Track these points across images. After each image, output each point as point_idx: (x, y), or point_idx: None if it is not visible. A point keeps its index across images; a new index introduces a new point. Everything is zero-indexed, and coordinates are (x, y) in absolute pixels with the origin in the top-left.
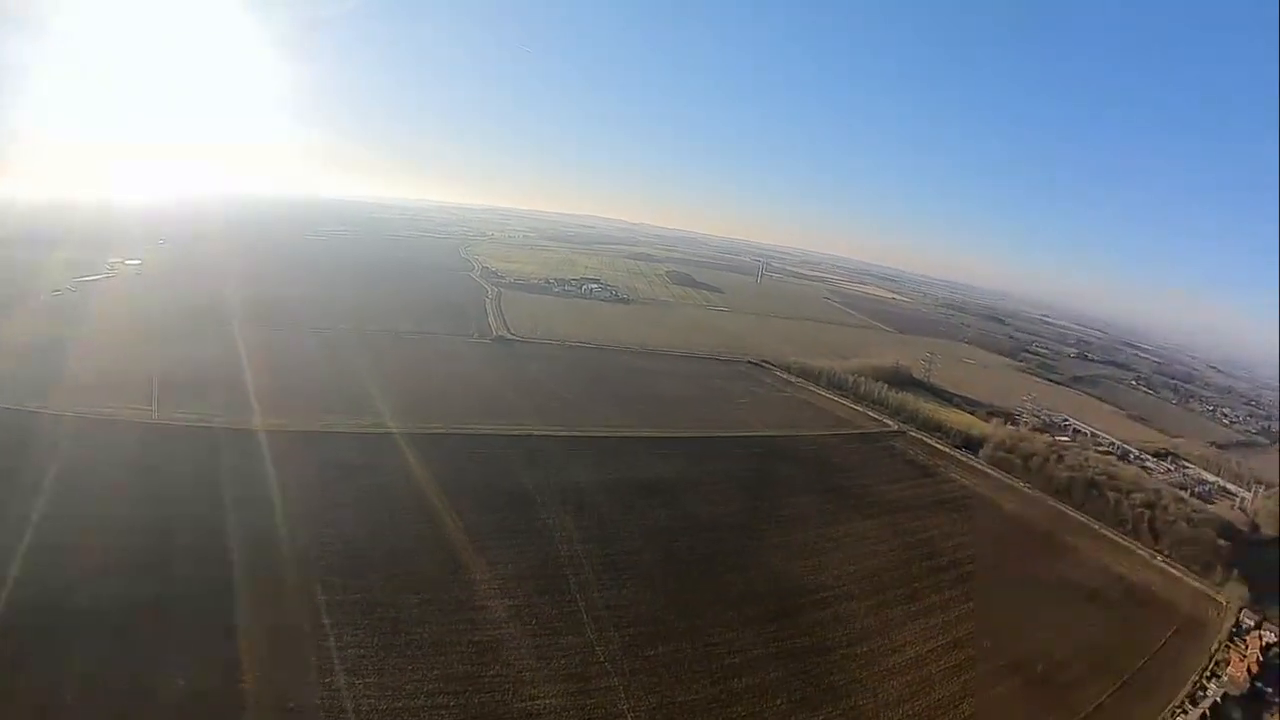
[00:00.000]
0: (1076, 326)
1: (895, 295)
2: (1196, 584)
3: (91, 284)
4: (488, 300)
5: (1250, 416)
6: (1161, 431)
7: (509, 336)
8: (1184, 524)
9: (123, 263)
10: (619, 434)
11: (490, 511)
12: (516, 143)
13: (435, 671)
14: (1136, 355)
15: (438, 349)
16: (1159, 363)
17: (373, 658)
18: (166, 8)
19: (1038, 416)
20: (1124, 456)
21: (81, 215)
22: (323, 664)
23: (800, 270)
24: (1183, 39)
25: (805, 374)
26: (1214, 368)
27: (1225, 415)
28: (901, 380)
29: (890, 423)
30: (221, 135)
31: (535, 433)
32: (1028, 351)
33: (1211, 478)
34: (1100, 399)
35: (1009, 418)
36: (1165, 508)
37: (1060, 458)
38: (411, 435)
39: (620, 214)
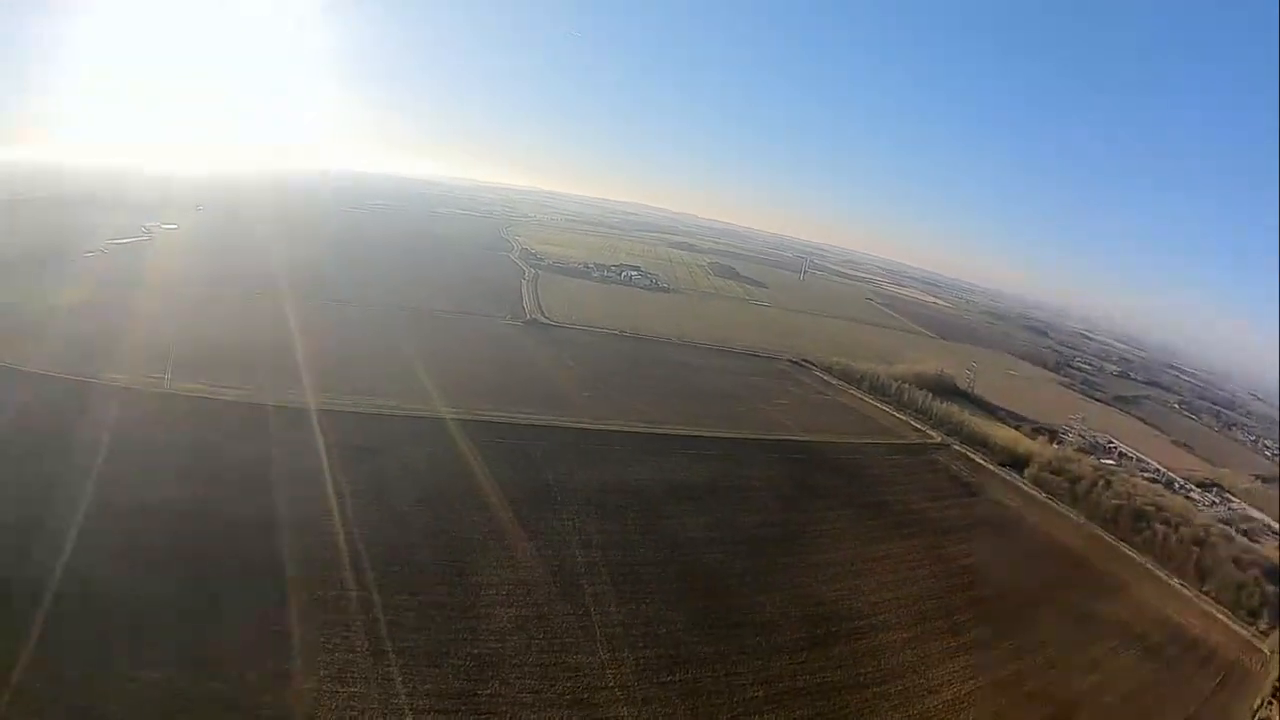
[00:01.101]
0: (1118, 344)
1: (937, 300)
2: (1242, 631)
3: (124, 246)
4: (524, 282)
5: None
6: (1206, 460)
7: (543, 320)
8: (1232, 565)
9: (159, 227)
10: (651, 430)
11: (505, 508)
12: (564, 126)
13: (426, 686)
14: (1178, 378)
15: (468, 329)
16: (1200, 386)
17: (360, 664)
18: None
19: (1083, 437)
20: (1169, 485)
21: (127, 182)
22: (306, 668)
23: (843, 269)
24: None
25: (847, 376)
26: (1254, 395)
27: (1268, 447)
28: (945, 389)
29: (934, 434)
30: (270, 111)
31: (560, 424)
32: (1071, 367)
33: (1257, 514)
34: (1143, 421)
35: (1053, 436)
36: (1214, 546)
37: (1108, 483)
38: (427, 419)
39: (665, 203)
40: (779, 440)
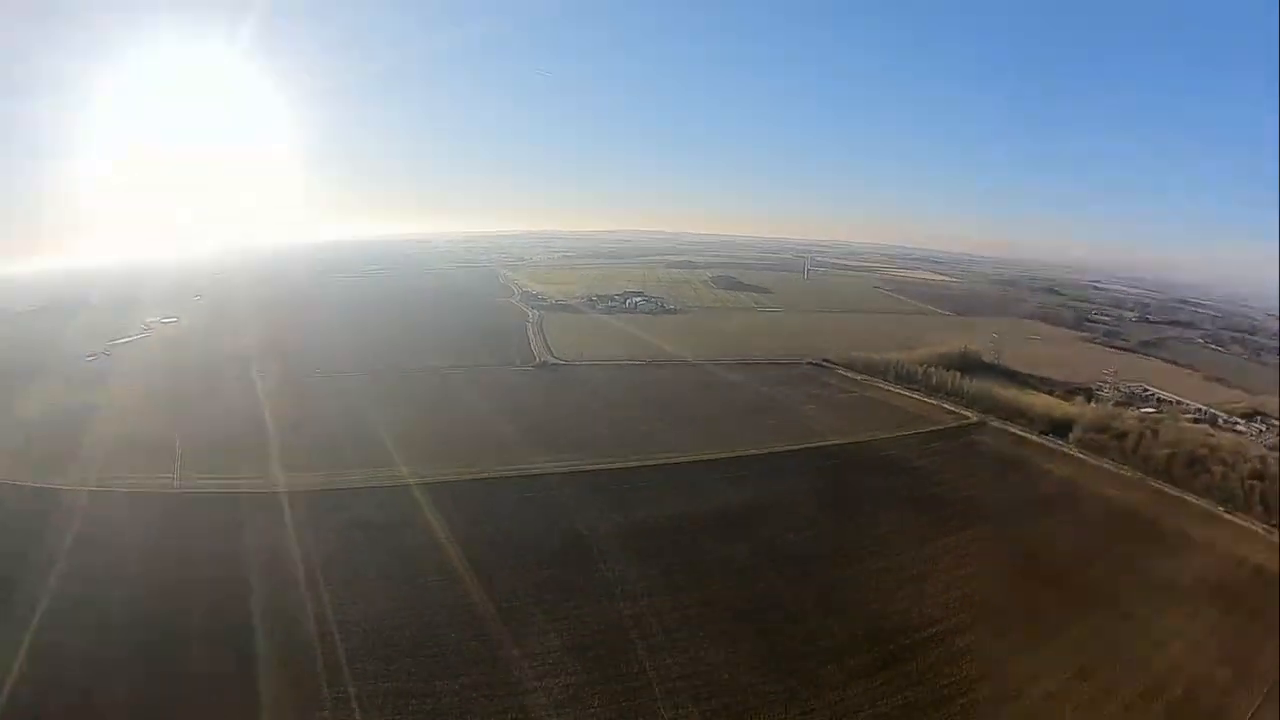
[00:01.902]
0: (1130, 290)
1: (944, 277)
2: None
3: (125, 346)
4: (529, 324)
5: None
6: (1243, 390)
7: (553, 361)
8: None
9: (160, 322)
10: (679, 459)
11: (541, 567)
12: (547, 165)
13: None
14: (1196, 312)
15: (478, 381)
16: (1219, 316)
17: None
18: (178, 66)
19: (1118, 390)
20: (1213, 422)
21: (117, 279)
22: None
23: (845, 262)
24: None
25: (870, 369)
26: (1270, 314)
27: None
28: (971, 366)
29: (969, 414)
30: (247, 186)
31: (586, 467)
32: (1089, 320)
33: None
34: (1173, 362)
35: (1089, 395)
36: (1275, 476)
37: (1155, 433)
38: (448, 484)
39: (658, 225)
40: (813, 448)
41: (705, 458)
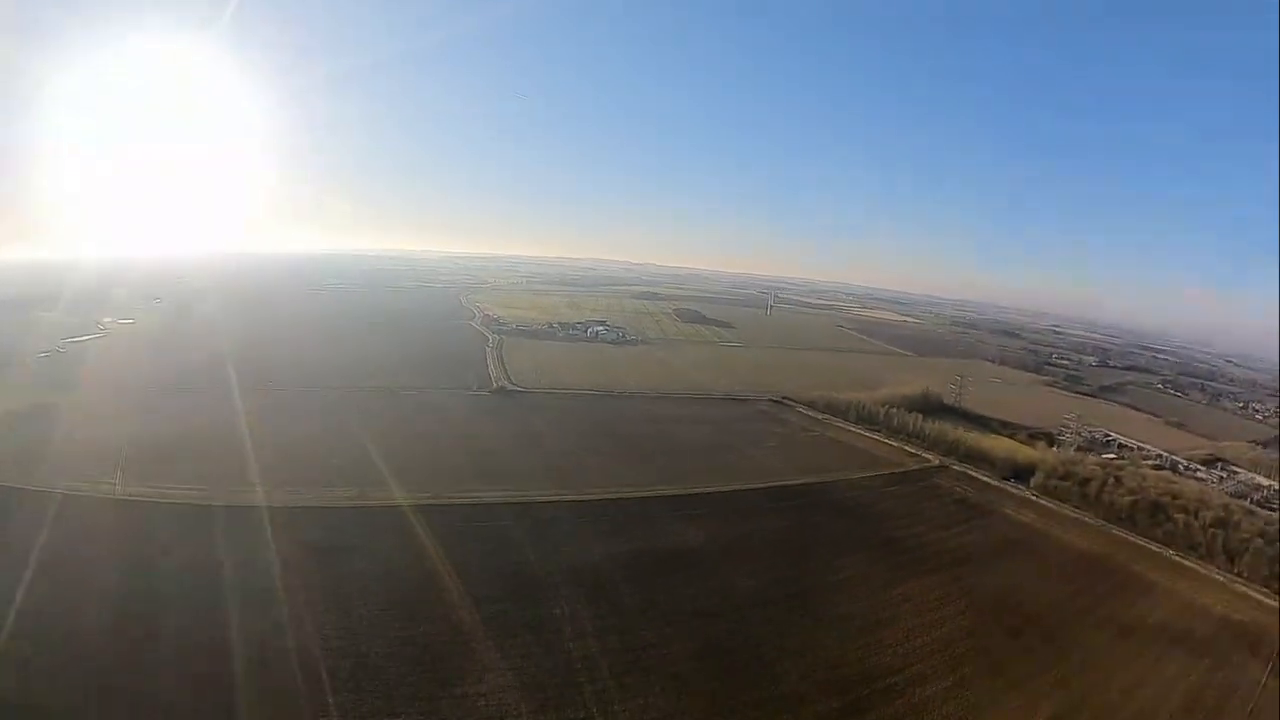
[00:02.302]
0: (1089, 334)
1: (906, 318)
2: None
3: (80, 345)
4: (489, 349)
5: None
6: (1203, 436)
7: (510, 387)
8: (1259, 540)
9: (115, 322)
10: (636, 494)
11: (488, 602)
12: (518, 190)
13: None
14: (1155, 357)
15: (432, 404)
16: (1179, 362)
17: None
18: (156, 65)
19: (1079, 435)
20: (1174, 468)
21: (79, 275)
22: None
23: (808, 300)
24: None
25: (831, 409)
26: (1230, 361)
27: (1257, 411)
28: (933, 408)
29: (930, 457)
30: (219, 191)
31: (540, 498)
32: (1050, 364)
33: (1266, 481)
34: (1133, 407)
35: (1051, 439)
36: (1237, 524)
37: (1118, 480)
38: (390, 509)
39: (624, 255)
40: (772, 487)
41: (662, 493)
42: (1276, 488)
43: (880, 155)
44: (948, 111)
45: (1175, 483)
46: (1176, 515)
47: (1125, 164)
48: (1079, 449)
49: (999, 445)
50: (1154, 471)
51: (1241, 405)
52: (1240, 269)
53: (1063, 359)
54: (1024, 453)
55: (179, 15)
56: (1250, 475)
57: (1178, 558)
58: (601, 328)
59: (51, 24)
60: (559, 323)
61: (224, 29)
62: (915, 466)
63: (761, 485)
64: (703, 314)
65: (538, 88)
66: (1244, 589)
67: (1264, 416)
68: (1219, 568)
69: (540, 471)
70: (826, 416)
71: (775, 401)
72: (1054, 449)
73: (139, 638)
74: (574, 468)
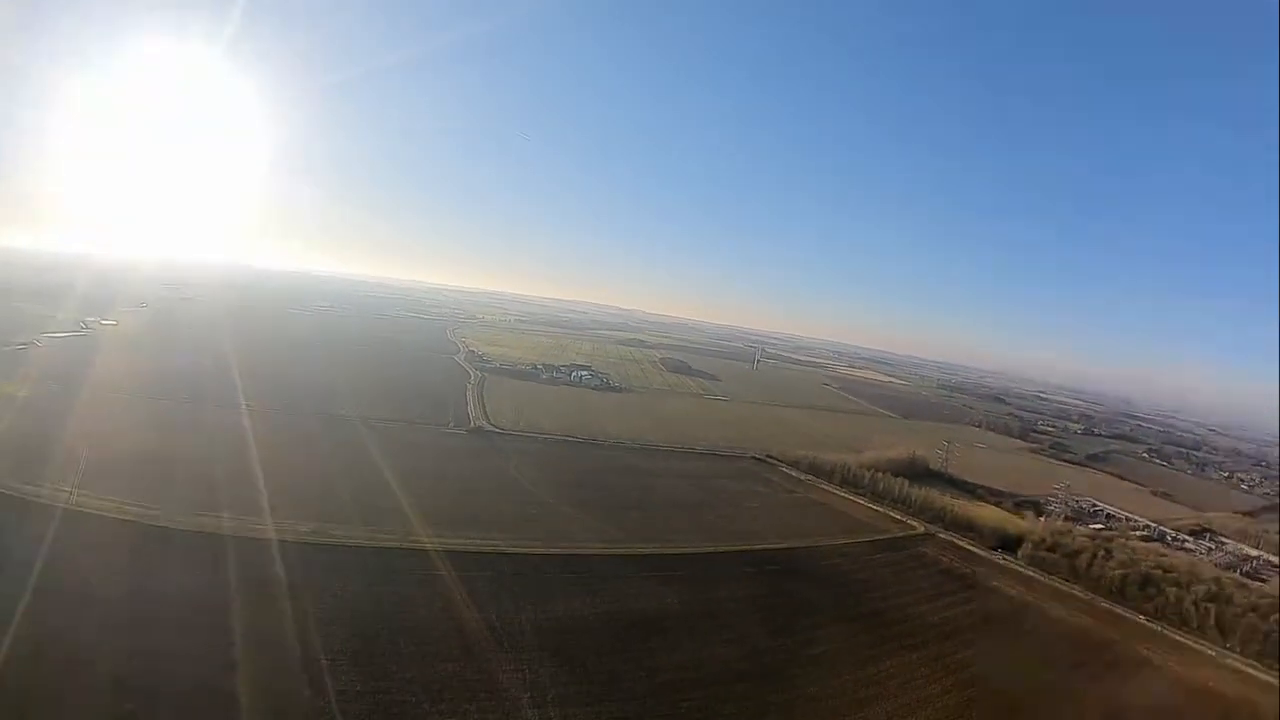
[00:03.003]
0: (1074, 401)
1: (891, 378)
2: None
3: (58, 341)
4: (469, 386)
5: (1265, 479)
6: (1190, 507)
7: (488, 428)
8: (1252, 614)
9: (98, 322)
10: (609, 550)
11: (442, 660)
12: (512, 228)
13: None
14: (1139, 426)
15: (406, 440)
16: (1163, 430)
17: None
18: (165, 85)
19: (1067, 505)
20: (1162, 539)
21: (72, 271)
22: None
23: (794, 356)
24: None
25: (815, 470)
26: (1214, 430)
27: (1243, 480)
28: (919, 473)
29: (916, 524)
30: (224, 205)
31: (506, 549)
32: (1035, 431)
33: (1254, 552)
34: (1120, 476)
35: (1038, 508)
36: (1229, 598)
37: (1108, 553)
38: (348, 548)
39: (613, 300)
40: (753, 550)
41: (637, 551)
42: (1266, 559)
43: (867, 217)
44: (936, 178)
45: (1165, 555)
46: (1168, 589)
47: (1115, 238)
48: (1066, 519)
49: (986, 514)
50: (1143, 543)
51: (1227, 475)
52: (1234, 341)
53: (1048, 426)
54: (1012, 522)
55: (185, 27)
56: (1238, 546)
57: (1169, 632)
58: (585, 372)
59: (64, 30)
60: (543, 364)
61: (228, 48)
62: (901, 534)
63: (742, 547)
64: (688, 364)
65: (536, 134)
66: (1237, 664)
67: (1250, 486)
68: (1211, 643)
69: (509, 520)
70: (810, 478)
71: (758, 459)
72: (1042, 519)
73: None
74: (545, 517)
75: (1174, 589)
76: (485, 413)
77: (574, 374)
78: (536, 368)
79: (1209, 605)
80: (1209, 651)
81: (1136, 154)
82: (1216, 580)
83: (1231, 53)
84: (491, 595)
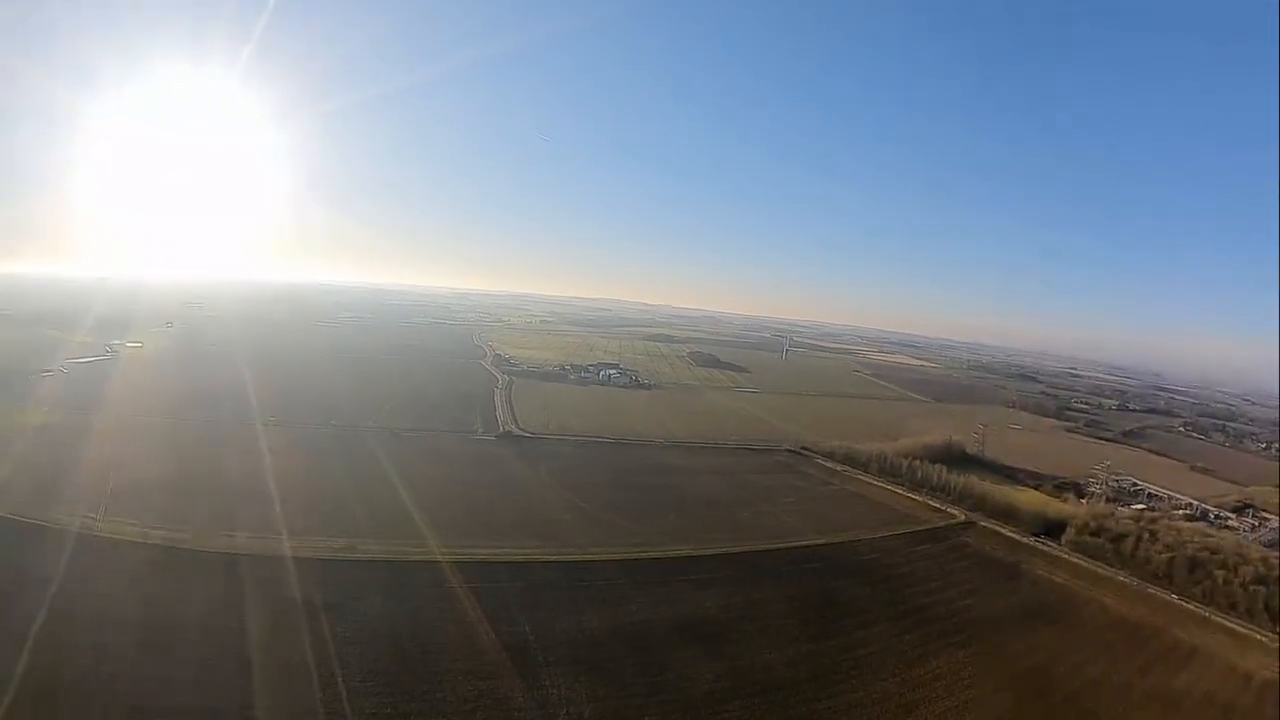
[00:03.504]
0: (1106, 376)
1: (921, 362)
2: None
3: (83, 367)
4: (497, 390)
5: None
6: (1230, 481)
7: (517, 432)
8: None
9: (124, 345)
10: (644, 554)
11: (476, 678)
12: (534, 230)
13: None
14: (1173, 399)
15: (434, 449)
16: (1197, 403)
17: None
18: (175, 98)
19: (1108, 486)
20: (1204, 517)
21: (95, 295)
22: None
23: (822, 343)
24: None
25: (851, 460)
26: (1248, 400)
27: None
28: (956, 458)
29: (956, 513)
30: (241, 221)
31: (539, 557)
32: (1069, 409)
33: None
34: (1157, 452)
35: (1078, 490)
36: (1279, 580)
37: (1153, 535)
38: (379, 564)
39: (639, 296)
40: (791, 548)
41: (673, 554)
42: None
43: (889, 200)
44: (963, 158)
45: (1211, 536)
46: (1216, 571)
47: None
48: (1108, 500)
49: (1027, 498)
50: (1188, 524)
51: (1264, 446)
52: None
53: (1082, 403)
54: (1054, 506)
55: (202, 45)
56: None
57: (1218, 617)
58: (614, 371)
59: (80, 55)
60: (571, 364)
61: (247, 63)
62: (941, 523)
63: (780, 545)
64: (717, 357)
65: (554, 128)
66: None
67: None
68: (1262, 628)
69: (541, 527)
70: (846, 468)
71: (793, 451)
72: (1083, 501)
73: None
74: (577, 523)
75: (1221, 572)
76: (514, 417)
77: (602, 373)
78: (564, 368)
79: (1258, 588)
80: (1259, 637)
81: (1167, 119)
82: (1264, 561)
83: None
84: (524, 607)
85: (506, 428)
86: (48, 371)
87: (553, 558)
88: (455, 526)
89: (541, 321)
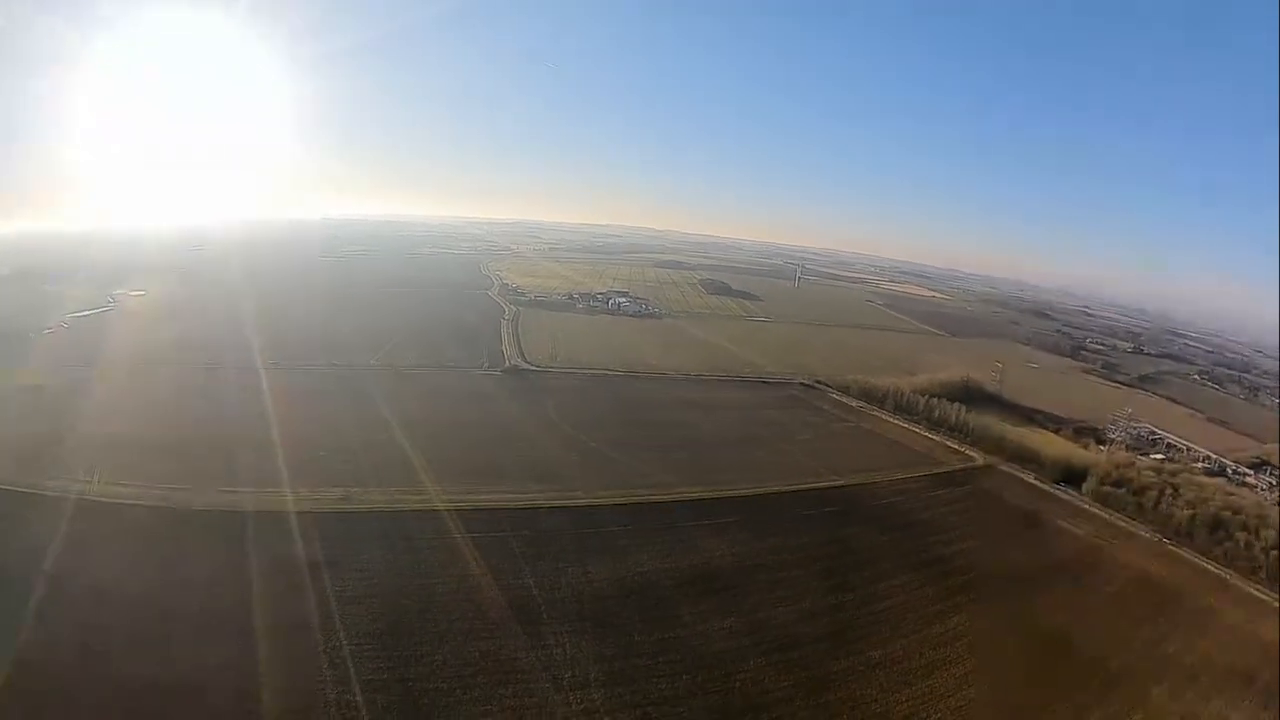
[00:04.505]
0: (1120, 317)
1: (934, 294)
2: None
3: (87, 319)
4: (504, 322)
5: None
6: (1246, 436)
7: (524, 366)
8: None
9: (126, 294)
10: (654, 497)
11: (477, 638)
12: (542, 155)
13: None
14: (1187, 345)
15: (437, 387)
16: (1211, 351)
17: None
18: (179, 31)
19: (1127, 433)
20: (1222, 472)
21: (96, 247)
22: None
23: (835, 271)
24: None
25: (867, 396)
26: (1260, 352)
27: None
28: (973, 396)
29: (975, 455)
30: (241, 157)
31: (544, 502)
32: (1085, 350)
33: None
34: (1173, 400)
35: (1097, 435)
36: None
37: (1175, 490)
38: (378, 514)
39: (649, 221)
40: (806, 490)
41: (684, 496)
42: None
43: (904, 124)
44: (969, 83)
45: (1233, 494)
46: (1237, 533)
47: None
48: (1127, 448)
49: (1047, 443)
50: (1209, 479)
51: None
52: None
53: (1097, 344)
54: (1075, 453)
55: None
56: None
57: (1238, 582)
58: (624, 299)
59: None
60: (579, 293)
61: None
62: (960, 465)
63: (795, 487)
64: (729, 285)
65: (560, 52)
66: None
67: None
68: None
69: (547, 469)
70: (862, 404)
71: (807, 385)
72: (1103, 448)
73: None
74: (585, 464)
75: (1243, 534)
76: (521, 350)
77: (611, 301)
78: (573, 297)
79: (1278, 553)
80: (1278, 604)
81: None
82: None
83: None
84: (528, 559)
85: (513, 362)
86: (48, 329)
87: (558, 503)
88: (459, 471)
89: (550, 249)
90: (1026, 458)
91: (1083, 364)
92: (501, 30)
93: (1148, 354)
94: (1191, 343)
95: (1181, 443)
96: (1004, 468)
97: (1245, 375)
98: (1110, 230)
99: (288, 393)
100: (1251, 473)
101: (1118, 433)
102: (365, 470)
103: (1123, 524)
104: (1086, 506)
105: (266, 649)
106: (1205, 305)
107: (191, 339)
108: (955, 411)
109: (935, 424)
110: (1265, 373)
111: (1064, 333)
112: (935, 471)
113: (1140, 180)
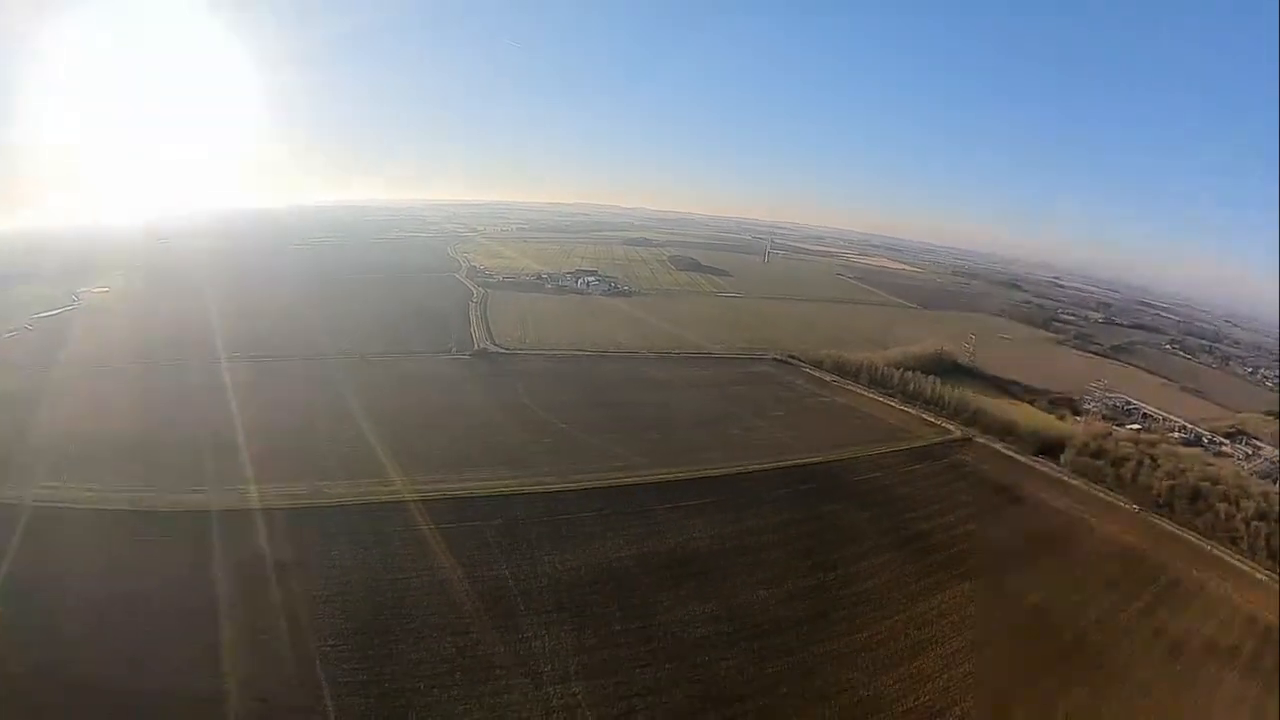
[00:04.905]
0: (1090, 288)
1: (905, 266)
2: None
3: (50, 320)
4: (472, 304)
5: None
6: (1220, 405)
7: (492, 349)
8: None
9: (90, 292)
10: (628, 479)
11: (453, 633)
12: (513, 135)
13: None
14: (1158, 316)
15: (407, 373)
16: (1181, 321)
17: None
18: (139, 24)
19: (1102, 403)
20: (1198, 442)
21: (61, 244)
22: None
23: (805, 246)
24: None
25: (840, 370)
26: (1231, 322)
27: (1267, 379)
28: (946, 369)
29: (951, 427)
30: (206, 147)
31: (516, 489)
32: (1057, 320)
33: None
34: (1145, 369)
35: (1073, 406)
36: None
37: (1154, 461)
38: (347, 508)
39: (616, 200)
40: (783, 467)
41: (659, 478)
42: None
43: (870, 99)
44: (937, 60)
45: (1211, 465)
46: (1217, 504)
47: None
48: (1103, 418)
49: (1023, 414)
50: (1187, 449)
51: (1251, 370)
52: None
53: (1069, 315)
54: (1051, 424)
55: None
56: (1274, 451)
57: (1219, 552)
58: (593, 278)
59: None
60: (547, 273)
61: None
62: (937, 439)
63: (771, 465)
64: (698, 261)
65: (522, 30)
66: None
67: (1273, 385)
68: (1262, 566)
69: (519, 453)
70: (835, 379)
71: (779, 361)
72: (1079, 419)
73: None
74: (557, 447)
75: (1223, 504)
76: (489, 333)
77: (580, 281)
78: (541, 277)
79: (1259, 524)
80: (1259, 575)
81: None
82: (1265, 496)
83: None
84: (502, 549)
85: (481, 345)
86: (10, 332)
87: (531, 489)
88: (428, 460)
89: (518, 229)
90: (1003, 430)
91: (1055, 334)
92: (462, 11)
93: (1119, 324)
94: (1162, 313)
95: (1157, 413)
96: (981, 440)
97: (1216, 345)
98: (1078, 200)
99: (253, 386)
100: (1228, 442)
101: (1093, 403)
102: (333, 463)
103: (1102, 495)
104: (1065, 478)
105: (233, 652)
106: (1176, 276)
107: (156, 335)
108: (930, 385)
109: (910, 397)
110: (1235, 342)
111: (1035, 304)
112: (912, 445)
113: (1110, 148)
